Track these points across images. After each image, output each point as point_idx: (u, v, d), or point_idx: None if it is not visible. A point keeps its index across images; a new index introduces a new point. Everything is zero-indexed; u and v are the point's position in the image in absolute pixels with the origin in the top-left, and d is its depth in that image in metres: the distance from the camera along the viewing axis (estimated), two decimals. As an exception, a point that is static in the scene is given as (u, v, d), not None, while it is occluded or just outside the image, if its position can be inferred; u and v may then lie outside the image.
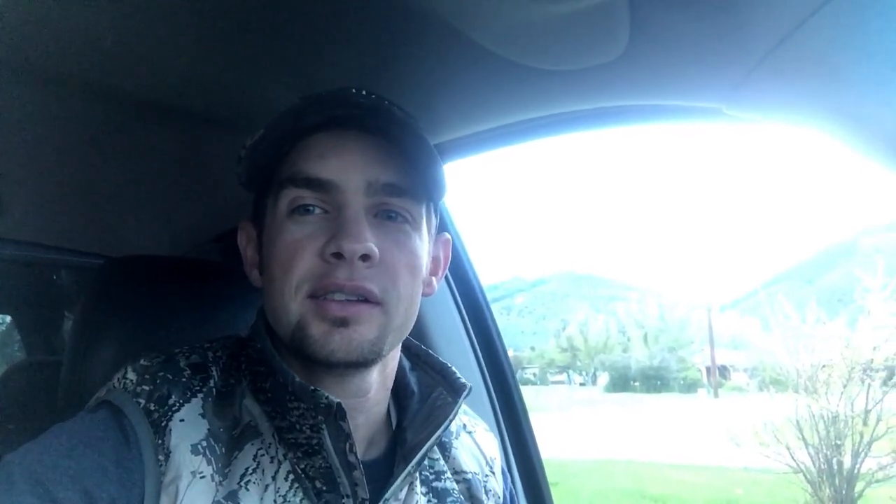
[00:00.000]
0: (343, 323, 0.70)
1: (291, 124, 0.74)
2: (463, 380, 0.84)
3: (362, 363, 0.73)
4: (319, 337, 0.71)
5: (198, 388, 0.74)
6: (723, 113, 0.80)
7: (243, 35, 0.87)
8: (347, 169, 0.73)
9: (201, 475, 0.68)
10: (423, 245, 0.78)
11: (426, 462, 0.85)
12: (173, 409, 0.71)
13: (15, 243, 1.92)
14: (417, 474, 0.82)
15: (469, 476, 0.89)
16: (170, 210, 1.61)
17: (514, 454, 1.41)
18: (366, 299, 0.72)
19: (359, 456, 0.72)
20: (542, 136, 1.09)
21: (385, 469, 0.79)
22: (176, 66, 0.95)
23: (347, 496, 0.72)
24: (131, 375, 0.73)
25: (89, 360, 0.98)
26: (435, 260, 0.86)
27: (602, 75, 0.83)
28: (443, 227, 0.89)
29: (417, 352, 0.90)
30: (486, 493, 0.90)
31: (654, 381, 30.64)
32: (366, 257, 0.70)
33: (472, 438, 0.95)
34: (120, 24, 0.84)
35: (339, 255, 0.69)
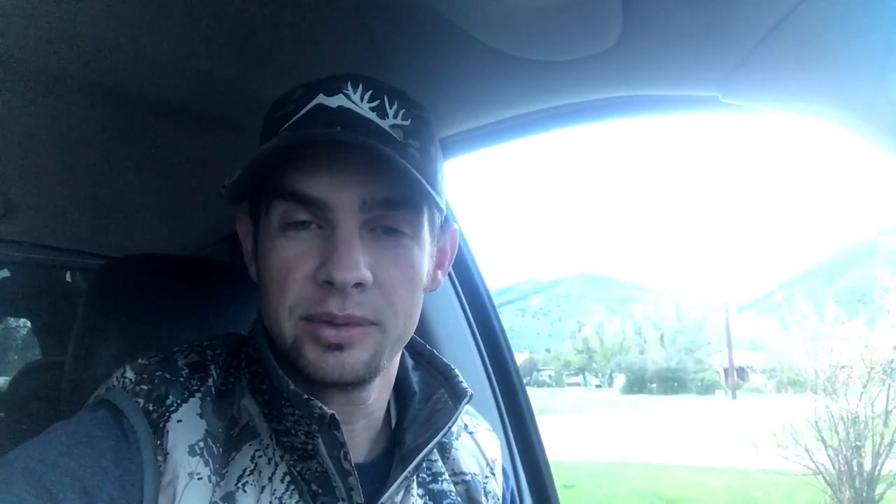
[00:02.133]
0: (337, 347, 0.69)
1: (275, 153, 0.70)
2: (465, 385, 0.83)
3: (358, 383, 0.73)
4: (314, 360, 0.70)
5: (196, 387, 0.74)
6: (720, 102, 0.79)
7: (249, 34, 0.88)
8: (340, 186, 0.69)
9: (198, 476, 0.68)
10: (424, 253, 0.76)
11: (424, 464, 0.84)
12: (171, 409, 0.71)
13: (27, 246, 1.95)
14: (415, 477, 0.82)
15: (468, 477, 0.88)
16: (179, 211, 1.62)
17: (519, 453, 1.40)
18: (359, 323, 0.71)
19: (355, 461, 0.72)
20: (541, 131, 1.08)
21: (383, 470, 0.79)
22: (183, 67, 0.96)
23: (343, 500, 0.72)
24: (130, 374, 0.73)
25: (92, 360, 0.98)
26: (441, 252, 0.84)
27: (597, 65, 0.82)
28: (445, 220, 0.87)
29: (422, 351, 0.89)
30: (486, 494, 0.89)
31: (672, 382, 30.45)
32: (359, 284, 0.69)
33: (473, 439, 0.94)
34: (126, 26, 0.84)
35: (331, 283, 0.68)
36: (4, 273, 2.61)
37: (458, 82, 0.96)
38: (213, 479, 0.69)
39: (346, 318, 0.69)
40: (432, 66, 0.93)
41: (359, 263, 0.68)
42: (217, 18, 0.84)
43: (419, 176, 0.68)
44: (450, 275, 1.39)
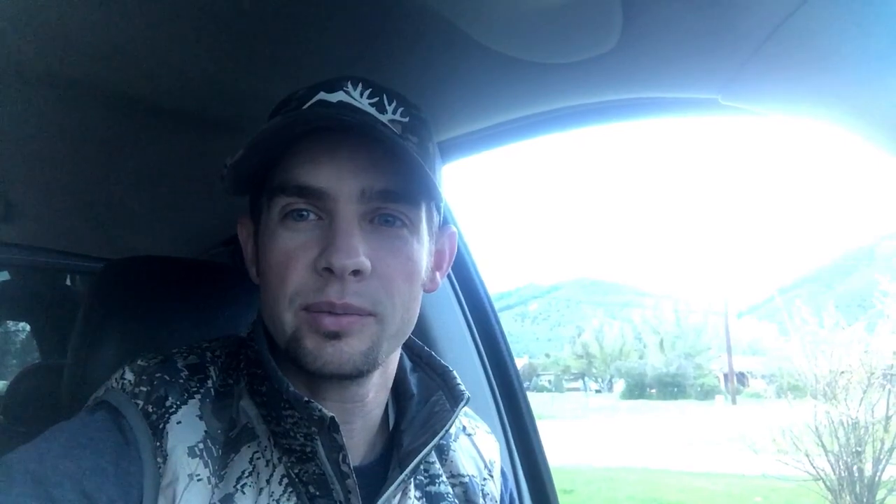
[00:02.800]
0: (335, 336, 0.70)
1: (279, 137, 0.72)
2: (462, 387, 0.83)
3: (356, 375, 0.72)
4: (312, 349, 0.70)
5: (195, 389, 0.74)
6: (720, 104, 0.79)
7: (250, 37, 0.88)
8: (340, 176, 0.70)
9: (198, 478, 0.68)
10: (423, 247, 0.76)
11: (421, 466, 0.83)
12: (170, 410, 0.71)
13: (27, 249, 1.95)
14: (412, 479, 0.82)
15: (466, 479, 0.88)
16: (179, 214, 1.62)
17: (519, 456, 1.39)
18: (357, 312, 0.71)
19: (353, 463, 0.72)
20: (541, 134, 1.08)
21: (380, 473, 0.79)
22: (183, 70, 0.96)
23: (340, 502, 0.72)
24: (129, 376, 0.73)
25: (92, 363, 0.98)
26: (439, 253, 0.84)
27: (597, 68, 0.83)
28: (444, 222, 0.87)
29: (420, 352, 0.89)
30: (484, 496, 0.89)
31: (671, 387, 30.48)
32: (357, 272, 0.69)
33: (472, 441, 0.94)
34: (127, 29, 0.84)
35: (330, 270, 0.68)
36: (4, 276, 2.61)
37: (458, 85, 0.96)
38: (213, 480, 0.69)
39: (345, 307, 0.69)
40: (432, 69, 0.93)
41: (357, 250, 0.69)
42: (217, 21, 0.84)
43: (418, 159, 0.69)
44: (449, 277, 1.39)
